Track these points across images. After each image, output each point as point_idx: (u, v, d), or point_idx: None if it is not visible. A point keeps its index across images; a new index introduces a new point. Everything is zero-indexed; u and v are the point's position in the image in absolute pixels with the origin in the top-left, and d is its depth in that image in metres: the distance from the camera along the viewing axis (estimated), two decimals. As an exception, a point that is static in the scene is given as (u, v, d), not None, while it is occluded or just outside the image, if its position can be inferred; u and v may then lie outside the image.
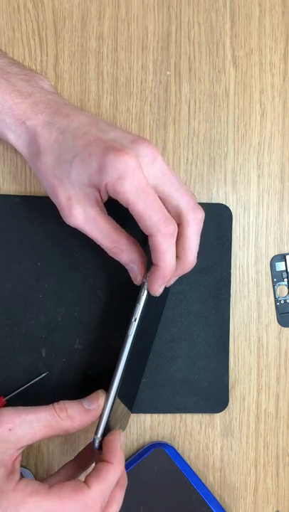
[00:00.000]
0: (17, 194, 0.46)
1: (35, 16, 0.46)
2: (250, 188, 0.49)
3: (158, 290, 0.39)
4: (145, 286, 0.40)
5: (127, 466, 0.46)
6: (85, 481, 0.36)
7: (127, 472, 0.45)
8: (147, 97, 0.47)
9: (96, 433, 0.39)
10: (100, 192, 0.37)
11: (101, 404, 0.39)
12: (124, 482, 0.39)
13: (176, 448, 0.47)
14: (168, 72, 0.48)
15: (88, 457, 0.42)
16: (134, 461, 0.46)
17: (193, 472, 0.46)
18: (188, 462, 0.48)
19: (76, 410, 0.38)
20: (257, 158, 0.49)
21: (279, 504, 0.49)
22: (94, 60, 0.47)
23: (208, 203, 0.47)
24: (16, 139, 0.40)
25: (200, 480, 0.46)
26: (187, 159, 0.48)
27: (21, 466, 0.45)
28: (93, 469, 0.37)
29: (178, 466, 0.46)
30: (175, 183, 0.38)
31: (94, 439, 0.39)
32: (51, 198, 0.39)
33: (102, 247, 0.39)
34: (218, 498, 0.48)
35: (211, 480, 0.48)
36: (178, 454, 0.46)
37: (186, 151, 0.48)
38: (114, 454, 0.37)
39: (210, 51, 0.48)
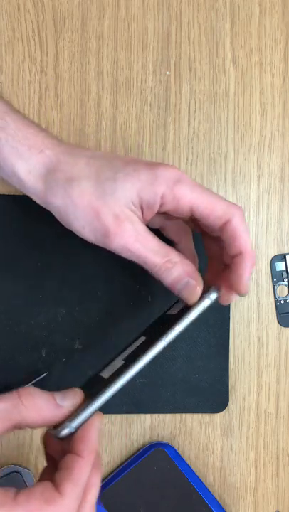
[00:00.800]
0: (17, 194, 0.46)
1: (35, 15, 0.46)
2: (250, 188, 0.49)
3: (248, 283, 0.36)
4: (209, 296, 0.36)
5: (127, 467, 0.46)
6: (56, 485, 0.30)
7: (127, 472, 0.45)
8: (147, 97, 0.47)
9: (71, 420, 0.32)
10: (142, 211, 0.36)
11: (75, 403, 0.33)
12: (99, 464, 0.34)
13: (176, 448, 0.47)
14: (168, 72, 0.48)
15: (58, 451, 0.35)
16: (134, 461, 0.46)
17: (193, 472, 0.46)
18: (189, 462, 0.48)
19: (45, 401, 0.32)
20: (257, 158, 0.49)
21: (279, 504, 0.49)
22: (94, 60, 0.47)
23: (208, 203, 0.47)
24: (28, 170, 0.37)
25: (200, 480, 0.46)
26: (187, 159, 0.48)
27: (21, 466, 0.45)
28: (63, 466, 0.31)
29: (178, 466, 0.46)
30: (209, 193, 0.37)
31: (63, 427, 0.32)
32: (90, 226, 0.35)
33: (151, 267, 0.36)
34: (218, 498, 0.48)
35: (211, 480, 0.48)
36: (178, 454, 0.46)
37: (186, 151, 0.48)
38: (87, 445, 0.32)
39: (210, 51, 0.48)
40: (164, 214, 0.37)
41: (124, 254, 0.36)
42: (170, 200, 0.35)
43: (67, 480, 0.30)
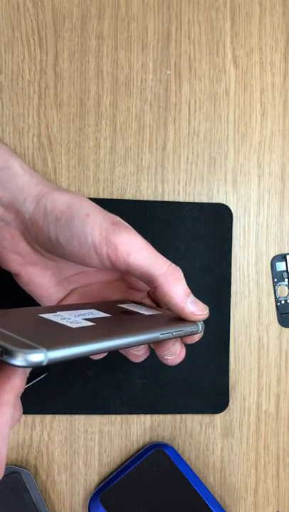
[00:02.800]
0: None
1: (35, 15, 0.46)
2: (250, 187, 0.48)
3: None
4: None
5: (127, 467, 0.46)
6: None
7: (127, 473, 0.45)
8: (147, 97, 0.47)
9: (48, 347, 0.22)
10: None
11: None
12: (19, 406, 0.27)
13: (176, 449, 0.47)
14: (168, 72, 0.48)
15: None
16: (134, 462, 0.46)
17: (194, 473, 0.46)
18: (189, 463, 0.48)
19: None
20: (257, 157, 0.48)
21: (279, 505, 0.48)
22: (94, 59, 0.47)
23: (208, 203, 0.47)
24: (22, 167, 0.35)
25: (200, 481, 0.46)
26: (187, 159, 0.48)
27: (21, 467, 0.45)
28: None
29: (178, 467, 0.46)
30: None
31: (31, 350, 0.22)
32: (98, 215, 0.32)
33: (157, 273, 0.32)
34: (218, 499, 0.48)
35: (211, 481, 0.48)
36: (178, 454, 0.46)
37: (186, 150, 0.48)
38: (4, 383, 0.25)
39: (210, 50, 0.48)
40: None
41: (134, 255, 0.32)
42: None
43: None
